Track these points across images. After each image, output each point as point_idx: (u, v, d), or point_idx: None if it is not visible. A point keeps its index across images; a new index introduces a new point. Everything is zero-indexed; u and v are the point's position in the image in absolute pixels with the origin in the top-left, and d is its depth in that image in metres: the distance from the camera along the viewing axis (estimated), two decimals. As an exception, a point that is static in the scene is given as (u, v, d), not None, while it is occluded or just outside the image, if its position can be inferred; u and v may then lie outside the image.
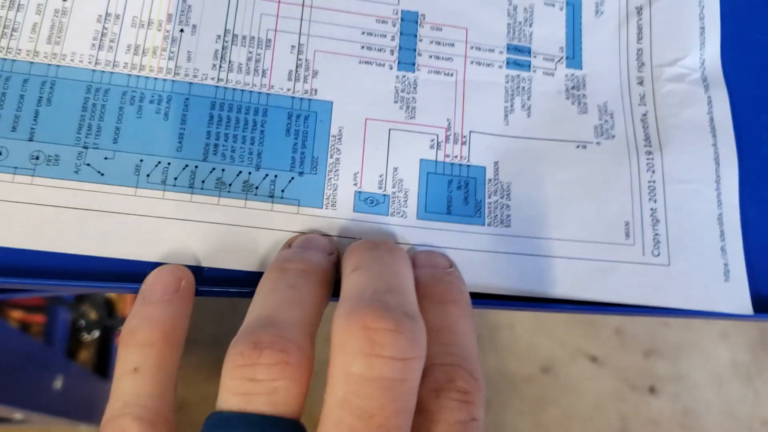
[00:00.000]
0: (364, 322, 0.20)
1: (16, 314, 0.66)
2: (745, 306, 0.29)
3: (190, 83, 0.28)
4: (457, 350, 0.23)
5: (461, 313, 0.24)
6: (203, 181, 0.27)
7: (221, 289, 0.26)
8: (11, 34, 0.28)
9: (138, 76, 0.28)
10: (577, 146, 0.30)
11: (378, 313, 0.20)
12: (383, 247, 0.25)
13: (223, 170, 0.28)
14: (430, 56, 0.30)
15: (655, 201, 0.29)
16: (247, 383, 0.20)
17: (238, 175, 0.28)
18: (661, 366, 0.82)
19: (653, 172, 0.30)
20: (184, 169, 0.27)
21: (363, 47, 0.30)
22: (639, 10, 0.32)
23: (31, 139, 0.27)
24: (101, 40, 0.28)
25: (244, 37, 0.29)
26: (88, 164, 0.27)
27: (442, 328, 0.23)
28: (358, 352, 0.19)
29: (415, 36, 0.30)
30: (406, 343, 0.20)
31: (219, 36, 0.29)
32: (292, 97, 0.29)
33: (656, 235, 0.29)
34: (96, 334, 0.66)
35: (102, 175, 0.27)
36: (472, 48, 0.30)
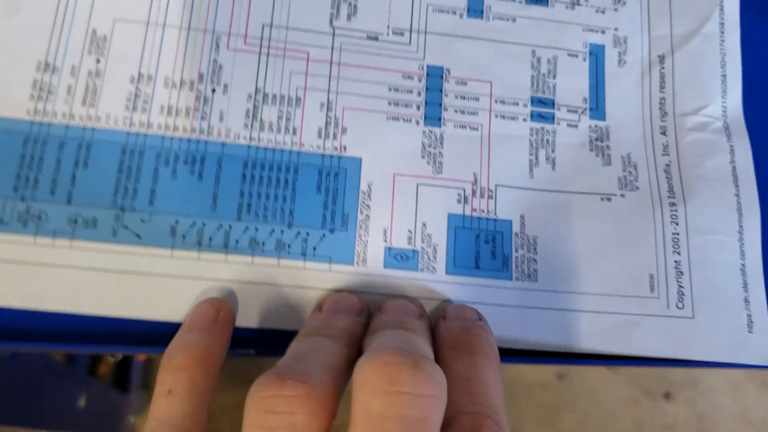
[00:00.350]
0: (383, 359, 0.20)
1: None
2: (768, 357, 0.29)
3: (223, 143, 0.29)
4: (483, 400, 0.23)
5: (489, 365, 0.25)
6: (237, 241, 0.28)
7: (252, 350, 0.27)
8: (47, 97, 0.28)
9: (172, 138, 0.29)
10: (602, 198, 0.30)
11: (398, 351, 0.20)
12: (401, 308, 0.26)
13: (256, 229, 0.28)
14: (456, 111, 0.31)
15: (679, 253, 0.30)
16: (267, 416, 0.21)
17: (271, 233, 0.28)
18: (675, 371, 0.82)
19: (677, 224, 0.30)
20: (218, 229, 0.28)
21: (390, 103, 0.30)
22: (662, 59, 0.32)
23: (69, 203, 0.27)
24: (135, 101, 0.29)
25: (274, 96, 0.30)
26: (126, 226, 0.27)
27: (470, 378, 0.24)
28: (378, 390, 0.19)
29: (441, 91, 0.31)
30: (425, 379, 0.20)
31: (250, 95, 0.29)
32: (322, 155, 0.29)
33: (680, 287, 0.29)
34: (120, 355, 0.67)
35: (139, 237, 0.27)
36: (496, 101, 0.31)
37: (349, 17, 0.31)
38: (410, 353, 0.21)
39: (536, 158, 0.30)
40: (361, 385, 0.20)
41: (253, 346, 0.27)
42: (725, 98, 0.32)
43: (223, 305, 0.27)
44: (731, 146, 0.31)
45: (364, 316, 0.27)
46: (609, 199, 0.30)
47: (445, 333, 0.26)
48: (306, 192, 0.29)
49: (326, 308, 0.26)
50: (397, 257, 0.29)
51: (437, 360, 0.25)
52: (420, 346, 0.23)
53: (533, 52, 0.32)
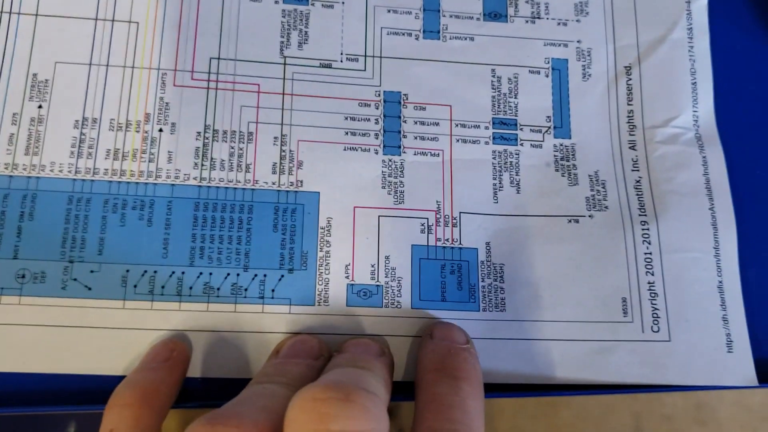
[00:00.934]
0: (312, 395, 0.19)
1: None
2: (750, 377, 0.28)
3: (172, 185, 0.28)
4: (464, 429, 0.22)
5: (472, 391, 0.24)
6: (191, 288, 0.27)
7: (208, 402, 0.26)
8: (-11, 148, 0.27)
9: (119, 182, 0.28)
10: (570, 221, 0.29)
11: (327, 386, 0.19)
12: (354, 345, 0.25)
13: (210, 274, 0.27)
14: (415, 137, 0.29)
15: (653, 274, 0.29)
16: None
17: (226, 277, 0.27)
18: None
19: (649, 243, 0.29)
20: (170, 276, 0.27)
21: (347, 133, 0.29)
22: (628, 70, 0.31)
23: (15, 257, 0.26)
24: (80, 146, 0.28)
25: (225, 132, 0.29)
26: (75, 279, 0.26)
27: (453, 404, 0.23)
28: (306, 429, 0.18)
29: (399, 117, 0.30)
30: (358, 413, 0.18)
31: (199, 133, 0.28)
32: (278, 191, 0.28)
33: (655, 309, 0.28)
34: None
35: (89, 289, 0.26)
36: (457, 125, 0.30)
37: (300, 45, 0.30)
38: (343, 387, 0.19)
39: (500, 182, 0.29)
40: (291, 424, 0.19)
41: (211, 397, 0.26)
42: (696, 107, 0.31)
43: (177, 345, 0.26)
44: (704, 157, 0.30)
45: (322, 360, 0.26)
46: (577, 221, 0.29)
47: (431, 354, 0.25)
48: (262, 231, 0.28)
49: (283, 353, 0.26)
50: (360, 294, 0.28)
51: (420, 381, 0.24)
52: (366, 381, 0.21)
53: (493, 71, 0.31)
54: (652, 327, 0.28)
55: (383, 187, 0.29)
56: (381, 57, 0.30)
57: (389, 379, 0.25)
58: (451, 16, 0.31)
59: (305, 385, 0.21)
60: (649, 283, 0.28)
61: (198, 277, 0.27)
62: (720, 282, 0.29)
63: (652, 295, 0.28)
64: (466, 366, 0.25)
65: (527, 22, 0.31)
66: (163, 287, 0.27)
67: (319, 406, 0.18)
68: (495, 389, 0.27)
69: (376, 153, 0.29)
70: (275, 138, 0.29)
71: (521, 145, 0.30)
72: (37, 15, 0.29)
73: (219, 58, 0.29)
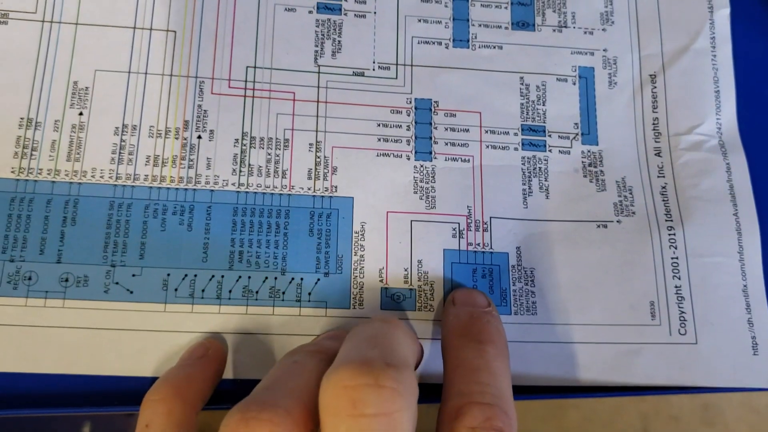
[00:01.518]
0: (343, 381, 0.19)
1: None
2: (775, 379, 0.29)
3: (212, 191, 0.28)
4: (493, 390, 0.23)
5: (498, 353, 0.25)
6: (230, 291, 0.28)
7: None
8: (31, 154, 0.28)
9: (159, 188, 0.28)
10: (598, 226, 0.30)
11: (357, 369, 0.20)
12: (376, 319, 0.25)
13: (249, 278, 0.28)
14: (446, 143, 0.30)
15: (680, 278, 0.29)
16: None
17: (264, 281, 0.28)
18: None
19: (675, 248, 0.30)
20: (210, 280, 0.28)
21: (379, 139, 0.30)
22: (653, 78, 0.32)
23: (59, 261, 0.27)
24: (120, 153, 0.28)
25: (262, 139, 0.29)
26: (117, 283, 0.27)
27: (480, 367, 0.24)
28: (341, 414, 0.19)
29: (430, 124, 0.30)
30: (389, 396, 0.19)
31: (237, 140, 0.29)
32: (313, 196, 0.29)
33: (682, 313, 0.29)
34: None
35: (131, 293, 0.27)
36: (486, 132, 0.30)
37: (333, 54, 0.30)
38: (370, 369, 0.20)
39: (529, 187, 0.30)
40: (326, 410, 0.20)
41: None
42: (719, 115, 0.32)
43: (212, 344, 0.26)
44: (728, 164, 0.31)
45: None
46: (605, 226, 0.30)
47: (455, 320, 0.26)
48: (298, 236, 0.28)
49: (321, 337, 0.26)
50: (394, 297, 0.28)
51: (446, 347, 0.25)
52: (392, 351, 0.22)
53: (521, 78, 0.31)
54: (679, 330, 0.29)
55: (415, 192, 0.29)
56: (412, 65, 0.31)
57: (413, 334, 0.25)
58: (480, 26, 0.32)
59: (334, 359, 0.22)
60: (676, 287, 0.29)
61: (237, 280, 0.28)
62: (744, 286, 0.29)
63: (679, 298, 0.29)
64: (489, 328, 0.26)
65: (554, 31, 0.32)
66: (203, 291, 0.27)
67: (351, 392, 0.19)
68: (520, 392, 0.28)
69: (408, 159, 0.30)
70: (310, 144, 0.29)
71: (550, 151, 0.31)
72: (77, 24, 0.29)
73: (255, 67, 0.30)
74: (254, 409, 0.20)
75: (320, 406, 0.20)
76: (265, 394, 0.21)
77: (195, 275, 0.27)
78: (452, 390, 0.23)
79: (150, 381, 0.26)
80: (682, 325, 0.29)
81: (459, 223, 0.29)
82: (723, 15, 0.33)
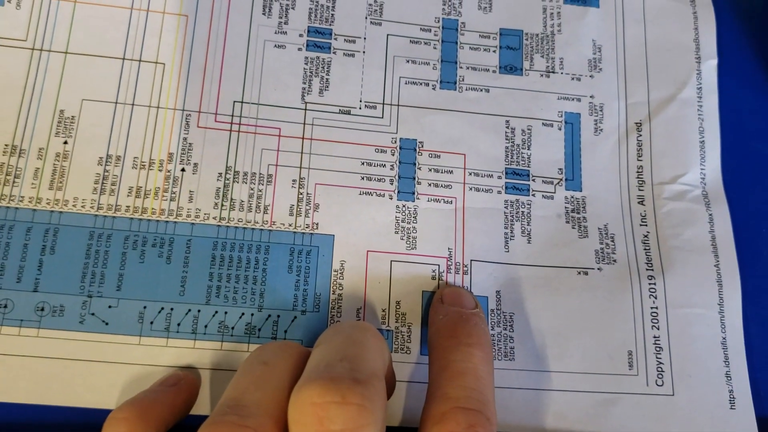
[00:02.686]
0: (311, 398, 0.20)
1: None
2: (752, 434, 0.28)
3: (192, 224, 0.28)
4: (478, 395, 0.23)
5: (484, 357, 0.25)
6: (206, 326, 0.27)
7: None
8: (13, 181, 0.28)
9: (140, 220, 0.28)
10: (579, 272, 0.30)
11: (324, 387, 0.20)
12: (347, 323, 0.25)
13: (225, 313, 0.28)
14: (429, 184, 0.30)
15: (658, 328, 0.29)
16: None
17: (240, 317, 0.28)
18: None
19: (655, 297, 0.30)
20: (186, 314, 0.27)
21: (363, 178, 0.30)
22: (639, 126, 0.32)
23: (35, 290, 0.27)
24: (103, 183, 0.28)
25: (245, 174, 0.29)
26: (93, 314, 0.27)
27: (466, 371, 0.24)
28: (310, 430, 0.20)
29: (414, 164, 0.30)
30: (355, 413, 0.20)
31: (221, 174, 0.29)
32: (294, 233, 0.29)
33: (659, 363, 0.29)
34: None
35: (106, 324, 0.27)
36: (470, 174, 0.31)
37: (321, 92, 0.31)
38: (337, 387, 0.20)
39: (511, 231, 0.30)
40: (294, 425, 0.20)
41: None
42: (704, 165, 0.32)
43: (186, 375, 0.26)
44: (710, 215, 0.31)
45: None
46: (586, 273, 0.30)
47: (444, 319, 0.26)
48: (277, 272, 0.28)
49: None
50: (371, 337, 0.28)
51: (433, 347, 0.25)
52: (360, 365, 0.22)
53: (507, 122, 0.31)
54: (656, 381, 0.29)
55: (396, 233, 0.29)
56: (399, 105, 0.31)
57: (382, 338, 0.25)
58: (468, 68, 0.32)
59: (304, 359, 0.22)
60: (654, 337, 0.29)
61: (213, 315, 0.28)
62: (723, 338, 0.29)
63: (657, 349, 0.29)
64: (477, 331, 0.26)
65: (542, 75, 0.32)
66: (178, 324, 0.27)
67: (318, 409, 0.20)
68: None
69: (391, 198, 0.30)
70: (294, 181, 0.29)
71: (533, 195, 0.31)
72: (66, 53, 0.30)
73: (242, 102, 0.30)
74: (224, 430, 0.20)
75: (289, 420, 0.21)
76: (235, 411, 0.21)
77: (171, 309, 0.27)
78: (438, 392, 0.23)
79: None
80: (660, 376, 0.29)
81: (439, 265, 0.29)
82: (710, 65, 0.33)
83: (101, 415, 0.26)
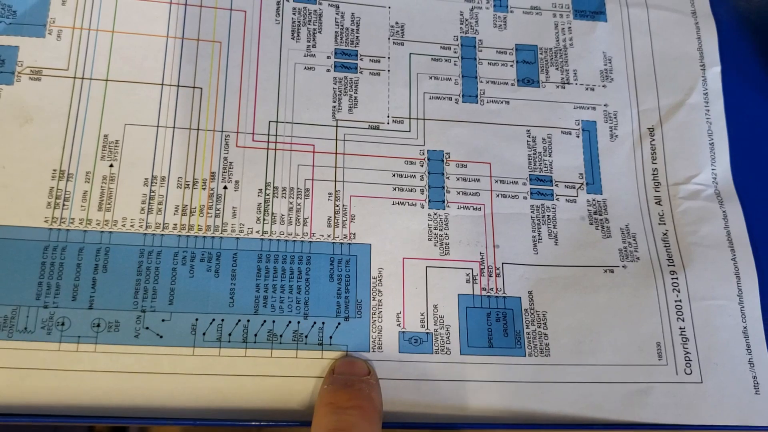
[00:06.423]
0: None
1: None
2: (777, 418, 0.30)
3: (237, 238, 0.30)
4: None
5: (363, 417, 0.25)
6: (255, 335, 0.29)
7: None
8: (63, 204, 0.29)
9: (188, 236, 0.29)
10: (605, 270, 0.31)
11: None
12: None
13: (273, 322, 0.29)
14: (458, 192, 0.32)
15: (683, 320, 0.31)
16: None
17: (287, 325, 0.29)
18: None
19: (679, 291, 0.31)
20: (236, 324, 0.29)
21: (395, 189, 0.31)
22: (651, 131, 0.34)
23: (91, 308, 0.28)
24: (149, 203, 0.30)
25: (284, 189, 0.31)
26: (147, 327, 0.28)
27: (341, 430, 0.25)
28: None
29: (443, 174, 0.32)
30: None
31: (261, 190, 0.30)
32: (333, 243, 0.30)
33: (687, 353, 0.30)
34: None
35: (161, 337, 0.28)
36: (496, 181, 0.32)
37: (350, 109, 0.32)
38: None
39: (539, 234, 0.32)
40: None
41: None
42: (715, 165, 0.34)
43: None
44: (724, 212, 0.33)
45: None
46: (612, 271, 0.31)
47: (326, 389, 0.27)
48: (319, 281, 0.30)
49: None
50: (412, 341, 0.29)
51: (314, 413, 0.26)
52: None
53: (528, 131, 0.33)
54: (685, 370, 0.30)
55: (429, 240, 0.31)
56: (424, 119, 0.33)
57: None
58: (487, 82, 0.34)
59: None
60: (680, 328, 0.31)
61: (262, 324, 0.29)
62: (744, 327, 0.31)
63: (684, 339, 0.30)
64: (360, 395, 0.26)
65: (558, 87, 0.34)
66: (230, 335, 0.28)
67: None
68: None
69: (422, 207, 0.31)
70: (329, 194, 0.31)
71: (557, 200, 0.32)
72: (107, 80, 0.31)
73: (277, 121, 0.31)
74: None
75: None
76: None
77: (222, 320, 0.28)
78: None
79: (180, 424, 0.27)
80: (688, 365, 0.30)
81: (472, 269, 0.31)
82: (714, 72, 0.35)
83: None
